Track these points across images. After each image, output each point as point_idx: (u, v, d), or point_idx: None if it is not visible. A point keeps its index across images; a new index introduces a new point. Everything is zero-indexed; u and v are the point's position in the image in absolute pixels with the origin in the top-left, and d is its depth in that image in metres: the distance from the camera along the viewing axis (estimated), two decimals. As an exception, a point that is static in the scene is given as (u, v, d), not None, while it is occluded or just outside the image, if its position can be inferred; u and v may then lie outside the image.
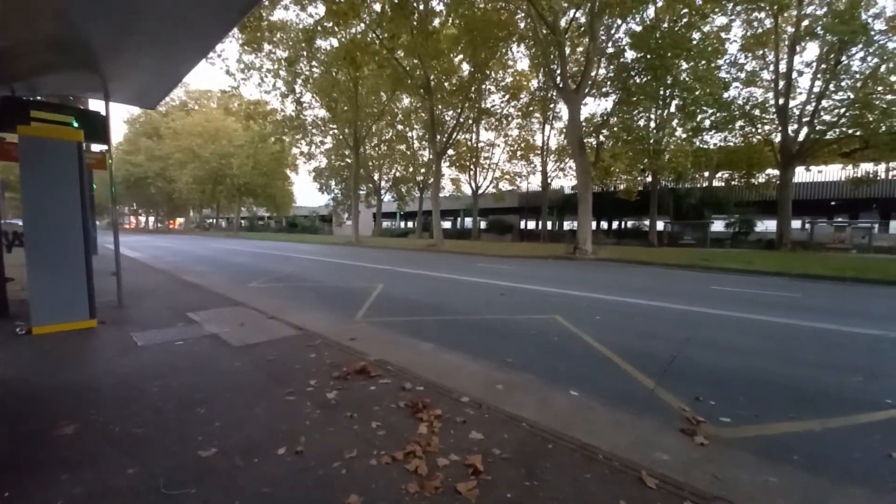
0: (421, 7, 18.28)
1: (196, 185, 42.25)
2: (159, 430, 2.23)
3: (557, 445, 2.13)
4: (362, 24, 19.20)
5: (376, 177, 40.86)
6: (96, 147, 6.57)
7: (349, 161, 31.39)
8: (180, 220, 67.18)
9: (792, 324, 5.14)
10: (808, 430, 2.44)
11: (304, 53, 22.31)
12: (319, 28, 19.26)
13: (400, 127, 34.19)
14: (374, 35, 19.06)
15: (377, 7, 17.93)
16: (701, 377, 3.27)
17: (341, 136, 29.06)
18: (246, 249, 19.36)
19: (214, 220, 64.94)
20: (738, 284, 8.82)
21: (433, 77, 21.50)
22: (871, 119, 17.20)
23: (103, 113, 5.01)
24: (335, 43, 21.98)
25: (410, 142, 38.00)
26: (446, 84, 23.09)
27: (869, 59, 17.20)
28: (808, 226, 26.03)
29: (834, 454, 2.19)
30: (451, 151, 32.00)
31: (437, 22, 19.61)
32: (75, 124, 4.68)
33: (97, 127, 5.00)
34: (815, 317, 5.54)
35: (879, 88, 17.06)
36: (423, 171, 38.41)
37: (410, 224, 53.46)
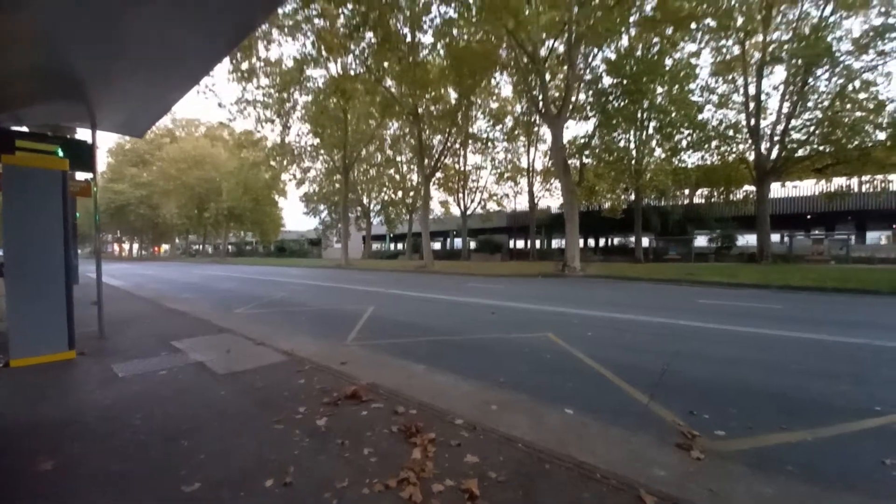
0: (408, 39, 18.95)
1: (181, 210, 41.92)
2: (141, 464, 2.13)
3: (554, 465, 2.10)
4: (352, 56, 19.80)
5: (366, 200, 41.12)
6: (81, 175, 6.52)
7: (339, 185, 31.59)
8: (165, 246, 66.06)
9: (778, 334, 5.22)
10: (800, 440, 2.45)
11: (294, 85, 22.81)
12: (310, 58, 19.80)
13: (389, 151, 34.72)
14: (363, 66, 19.63)
15: (366, 39, 18.52)
16: (693, 390, 3.28)
17: (331, 162, 29.38)
18: (233, 275, 19.04)
19: (201, 247, 64.03)
20: (724, 297, 8.98)
21: (421, 104, 22.08)
22: (840, 136, 18.10)
23: (89, 141, 4.99)
24: (324, 73, 22.57)
25: (399, 166, 38.54)
26: (434, 110, 23.70)
27: (835, 79, 18.24)
28: (786, 239, 26.88)
29: (827, 463, 2.20)
30: (439, 174, 32.48)
31: (423, 52, 20.30)
32: (60, 153, 4.65)
33: (83, 155, 4.97)
34: (799, 327, 5.65)
35: (848, 106, 18.02)
36: (412, 193, 38.80)
37: (400, 246, 53.49)
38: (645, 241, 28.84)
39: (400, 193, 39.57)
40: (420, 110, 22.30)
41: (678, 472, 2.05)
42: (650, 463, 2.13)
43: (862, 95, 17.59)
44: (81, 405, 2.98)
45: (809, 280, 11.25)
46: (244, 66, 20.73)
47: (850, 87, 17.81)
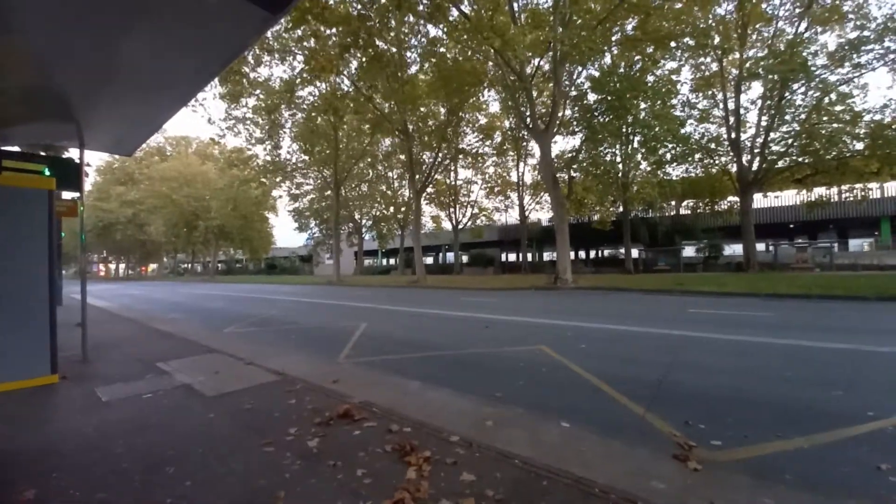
0: (396, 58, 19.34)
1: (169, 229, 41.39)
2: (124, 494, 2.04)
3: (552, 481, 2.06)
4: (341, 75, 20.10)
5: (357, 216, 41.11)
6: (67, 194, 6.42)
7: (330, 202, 31.64)
8: (153, 266, 64.88)
9: (768, 342, 5.27)
10: (796, 447, 2.45)
11: (284, 103, 23.03)
12: (299, 79, 20.05)
13: (380, 168, 34.98)
14: (352, 84, 19.94)
15: (356, 59, 18.85)
16: (688, 400, 3.28)
17: (322, 179, 29.50)
18: (222, 294, 18.72)
19: (190, 265, 63.08)
20: (714, 306, 9.07)
21: (410, 121, 22.40)
22: (818, 147, 18.71)
23: (77, 160, 4.94)
24: (315, 91, 22.84)
25: (391, 182, 38.76)
26: (424, 126, 24.05)
27: (811, 92, 18.95)
28: (772, 248, 27.43)
29: (825, 471, 2.20)
30: (430, 190, 32.73)
31: (412, 70, 20.72)
32: (47, 172, 4.59)
33: (70, 174, 4.91)
34: (788, 334, 5.71)
35: (825, 119, 18.68)
36: (403, 209, 38.94)
37: (392, 261, 53.29)
38: (634, 253, 29.20)
39: (391, 209, 39.68)
40: (410, 127, 22.60)
41: (677, 484, 2.03)
42: (649, 476, 2.10)
43: (839, 107, 18.27)
44: (64, 432, 2.87)
45: (796, 288, 11.44)
46: (233, 87, 20.88)
47: (826, 100, 18.51)
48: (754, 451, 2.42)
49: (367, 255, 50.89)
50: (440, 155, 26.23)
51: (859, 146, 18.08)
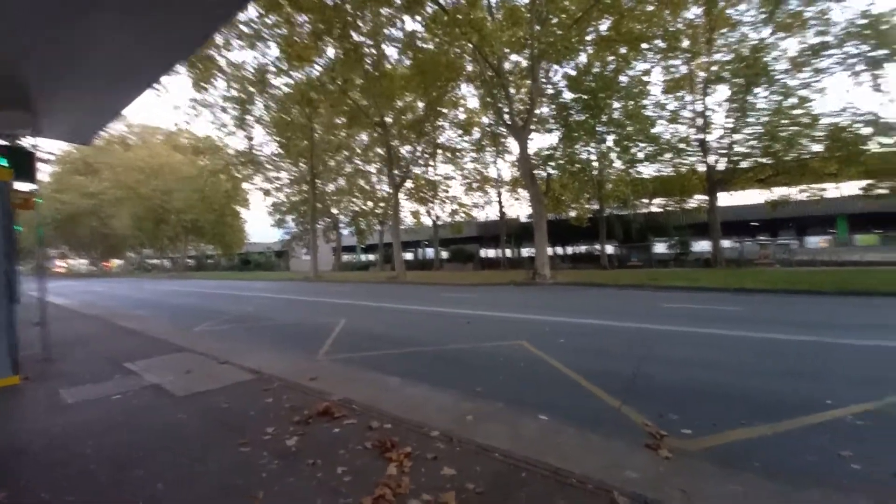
0: (373, 50, 19.01)
1: (135, 223, 39.35)
2: (94, 495, 1.95)
3: (531, 473, 2.10)
4: (317, 66, 19.58)
5: (335, 211, 40.35)
6: (22, 186, 6.00)
7: (306, 196, 30.89)
8: (117, 261, 61.75)
9: (737, 335, 5.54)
10: (761, 435, 2.59)
11: (257, 93, 22.25)
12: (273, 68, 19.42)
13: (358, 161, 34.39)
14: (328, 76, 19.44)
15: (331, 50, 18.41)
16: (661, 392, 3.41)
17: (297, 172, 28.73)
18: (193, 290, 18.05)
19: (158, 261, 60.40)
20: (686, 301, 9.45)
21: (388, 114, 22.11)
22: (778, 148, 19.69)
23: (31, 149, 4.63)
24: (289, 80, 22.16)
25: (369, 176, 38.20)
26: (401, 120, 23.78)
27: (773, 96, 19.86)
28: (737, 245, 28.78)
29: (789, 457, 2.33)
30: (409, 184, 32.48)
31: (389, 64, 20.42)
32: (3, 162, 4.28)
33: (24, 164, 4.59)
34: (755, 327, 6.02)
35: (784, 121, 19.64)
36: (382, 204, 38.52)
37: (372, 257, 52.73)
38: (609, 249, 29.99)
39: (370, 203, 39.18)
40: (388, 120, 22.31)
41: (649, 473, 2.11)
42: (623, 465, 2.17)
43: (798, 111, 19.24)
44: (30, 434, 2.73)
45: (762, 283, 12.05)
46: (201, 72, 20.00)
47: (786, 103, 19.46)
48: (722, 439, 2.55)
49: (346, 250, 50.14)
50: (419, 149, 26.06)
51: (818, 148, 19.12)
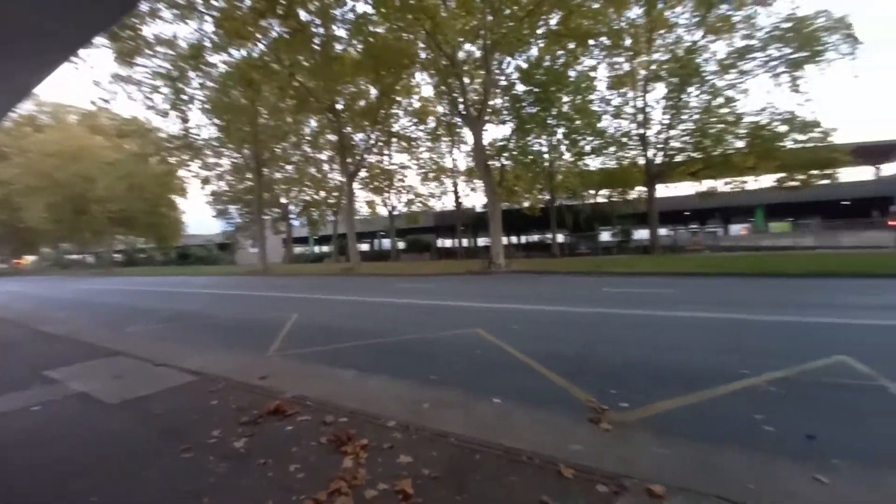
0: (322, 31, 18.10)
1: (52, 214, 34.80)
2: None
3: (484, 454, 2.19)
4: (259, 45, 18.27)
5: (284, 200, 38.44)
6: None
7: (252, 184, 28.99)
8: (31, 257, 54.66)
9: (669, 315, 6.07)
10: (688, 403, 2.88)
11: (191, 70, 20.33)
12: (209, 44, 17.86)
13: (308, 149, 32.85)
14: (273, 57, 18.22)
15: (275, 29, 17.24)
16: (604, 370, 3.67)
17: (241, 158, 26.84)
18: (123, 288, 16.47)
19: (79, 257, 54.25)
20: (625, 285, 10.16)
21: (339, 100, 21.28)
22: (707, 144, 21.53)
23: None
24: (229, 59, 20.54)
25: (320, 164, 36.71)
26: (354, 107, 23.00)
27: (703, 95, 21.59)
28: (671, 233, 31.31)
29: (710, 422, 2.61)
30: (363, 174, 31.65)
31: (339, 47, 19.56)
32: None
33: None
34: (685, 308, 6.62)
35: (713, 119, 21.45)
36: (335, 193, 37.25)
37: (325, 248, 51.06)
38: (560, 238, 31.38)
39: (322, 193, 37.74)
40: (339, 106, 21.49)
41: (591, 444, 2.28)
42: (568, 439, 2.33)
43: (724, 110, 21.10)
44: None
45: (692, 267, 13.24)
46: (124, 45, 17.95)
47: (714, 103, 21.27)
48: (654, 409, 2.80)
49: (297, 242, 48.10)
50: (372, 137, 25.40)
51: (740, 144, 21.15)
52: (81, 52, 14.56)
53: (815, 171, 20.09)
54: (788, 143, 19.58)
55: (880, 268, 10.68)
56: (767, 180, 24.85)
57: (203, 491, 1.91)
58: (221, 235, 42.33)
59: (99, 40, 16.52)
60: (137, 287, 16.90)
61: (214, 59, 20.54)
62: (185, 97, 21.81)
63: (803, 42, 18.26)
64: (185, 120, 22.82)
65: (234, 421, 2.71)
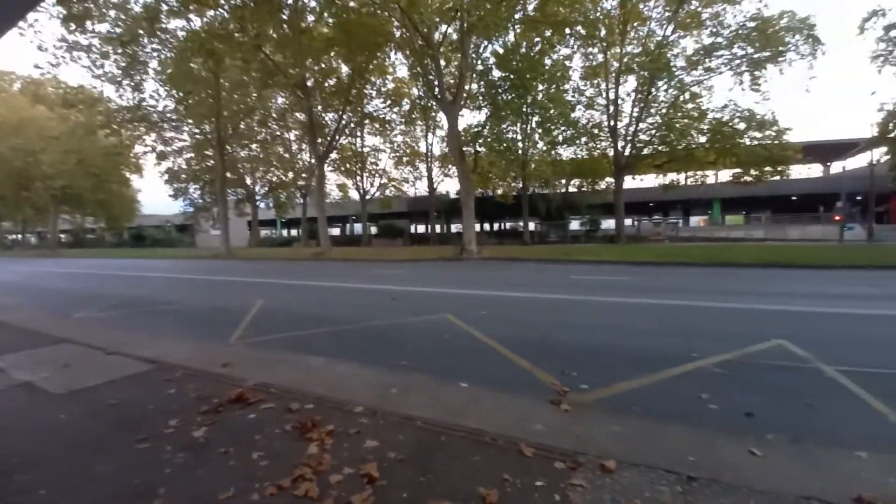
0: (290, 1, 17.13)
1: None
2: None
3: (450, 436, 2.24)
4: (222, 11, 17.05)
5: (249, 181, 36.78)
6: None
7: (213, 163, 27.40)
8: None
9: (629, 301, 6.37)
10: (641, 385, 3.05)
11: (145, 35, 18.72)
12: (165, 6, 16.51)
13: (275, 127, 31.38)
14: (237, 26, 17.05)
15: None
16: (567, 354, 3.81)
17: (200, 134, 25.24)
18: (71, 271, 15.38)
19: (20, 236, 49.99)
20: (591, 273, 10.53)
21: (309, 76, 20.36)
22: (672, 138, 22.35)
23: None
24: (188, 25, 19.09)
25: (288, 144, 35.28)
26: (325, 85, 22.10)
27: (671, 90, 22.28)
28: (636, 223, 32.57)
29: (661, 401, 2.78)
30: (334, 155, 30.70)
31: (310, 20, 18.62)
32: None
33: None
34: (644, 294, 6.96)
35: (679, 114, 22.23)
36: (304, 175, 35.99)
37: (294, 232, 49.60)
38: (531, 226, 31.96)
39: (290, 174, 36.37)
40: (309, 83, 20.57)
41: (551, 424, 2.38)
42: (530, 420, 2.43)
43: (690, 106, 21.90)
44: None
45: (653, 256, 13.88)
46: (77, 9, 16.29)
47: (681, 98, 22.02)
48: (611, 390, 2.95)
49: (264, 225, 46.39)
50: (344, 118, 24.59)
51: (703, 139, 22.10)
52: (29, 15, 13.14)
53: (768, 168, 21.31)
54: (746, 140, 20.63)
55: (821, 259, 11.63)
56: (725, 175, 26.26)
57: (159, 482, 1.86)
58: (180, 216, 40.05)
59: (47, 3, 14.98)
60: (87, 270, 15.83)
61: (173, 24, 19.04)
62: (138, 66, 20.18)
63: (765, 42, 19.04)
64: (138, 89, 21.13)
65: (193, 410, 2.62)
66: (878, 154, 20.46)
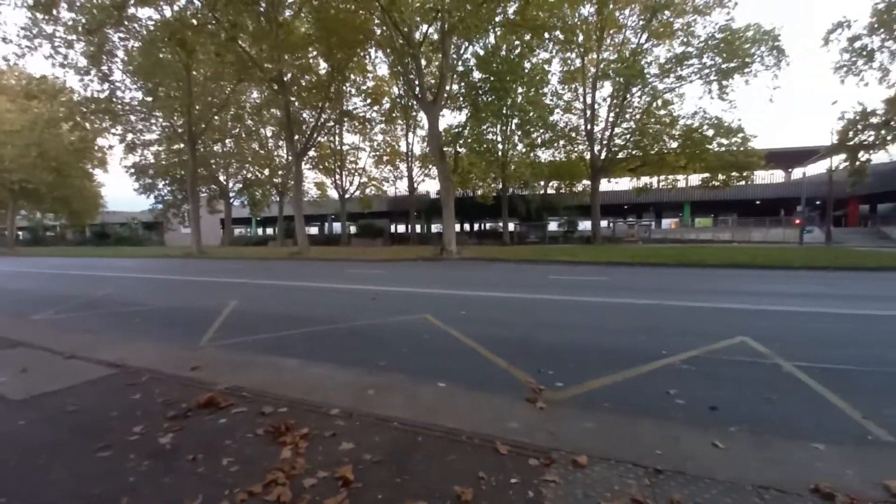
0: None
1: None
2: None
3: (426, 436, 2.24)
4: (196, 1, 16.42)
5: (223, 178, 35.60)
6: None
7: (184, 158, 26.36)
8: None
9: (604, 301, 6.54)
10: (613, 382, 3.14)
11: (112, 23, 17.80)
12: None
13: (250, 122, 30.53)
14: (210, 15, 16.44)
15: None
16: (543, 353, 3.88)
17: (171, 128, 24.26)
18: (28, 271, 14.50)
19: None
20: (568, 273, 10.75)
21: (286, 71, 19.89)
22: (646, 143, 23.10)
23: None
24: (157, 14, 18.32)
25: (264, 140, 34.41)
26: (303, 81, 21.64)
27: (644, 96, 23.01)
28: (611, 224, 33.47)
29: (631, 397, 2.87)
30: (312, 153, 30.14)
31: (288, 14, 18.20)
32: None
33: None
34: (618, 294, 7.16)
35: (652, 120, 22.98)
36: (281, 172, 35.15)
37: (270, 231, 48.40)
38: (511, 226, 32.35)
39: (266, 171, 35.43)
40: (286, 78, 20.10)
41: (527, 422, 2.42)
42: (506, 418, 2.46)
43: (662, 112, 22.68)
44: None
45: (627, 257, 14.29)
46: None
47: (654, 105, 22.77)
48: (584, 388, 3.03)
49: (238, 223, 45.12)
50: (323, 115, 24.16)
51: (674, 145, 22.94)
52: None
53: (734, 173, 22.33)
54: (714, 146, 21.55)
55: (782, 261, 12.29)
56: (695, 179, 27.31)
57: (122, 491, 1.78)
58: (148, 213, 38.33)
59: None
60: (46, 270, 14.96)
61: (142, 13, 18.21)
62: (104, 55, 19.19)
63: (733, 53, 19.91)
64: (106, 80, 20.08)
65: (159, 416, 2.52)
66: (837, 161, 21.73)
